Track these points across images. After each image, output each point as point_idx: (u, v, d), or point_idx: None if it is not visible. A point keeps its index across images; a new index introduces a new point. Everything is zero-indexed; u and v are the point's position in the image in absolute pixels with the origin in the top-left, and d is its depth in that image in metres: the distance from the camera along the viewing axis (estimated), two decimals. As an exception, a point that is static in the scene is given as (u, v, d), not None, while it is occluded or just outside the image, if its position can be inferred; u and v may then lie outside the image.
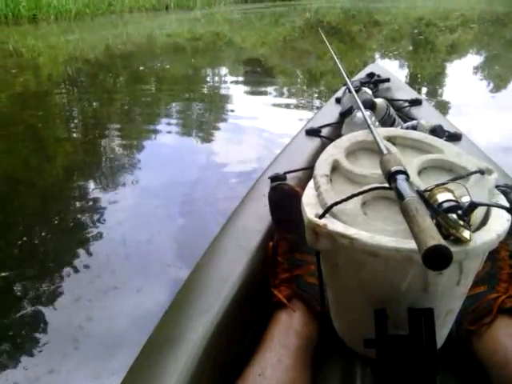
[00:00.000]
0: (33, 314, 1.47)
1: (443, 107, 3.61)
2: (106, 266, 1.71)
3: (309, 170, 1.04)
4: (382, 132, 0.76)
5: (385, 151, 0.64)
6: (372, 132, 0.72)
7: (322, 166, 0.70)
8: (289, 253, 0.87)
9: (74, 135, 3.54)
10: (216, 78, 5.62)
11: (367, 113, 1.35)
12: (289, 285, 0.83)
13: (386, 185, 0.59)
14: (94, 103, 4.47)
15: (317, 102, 4.07)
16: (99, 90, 4.86)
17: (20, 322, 1.44)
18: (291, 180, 1.09)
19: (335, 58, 1.50)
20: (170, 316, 0.79)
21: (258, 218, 0.99)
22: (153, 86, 5.01)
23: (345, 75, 1.30)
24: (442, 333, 0.69)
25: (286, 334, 0.75)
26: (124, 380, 0.67)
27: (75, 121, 3.93)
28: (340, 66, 1.40)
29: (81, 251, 1.80)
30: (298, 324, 0.78)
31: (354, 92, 1.05)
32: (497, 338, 0.72)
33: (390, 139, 0.75)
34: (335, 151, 0.73)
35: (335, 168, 0.70)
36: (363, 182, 0.66)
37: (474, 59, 6.05)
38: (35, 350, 1.33)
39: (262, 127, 3.27)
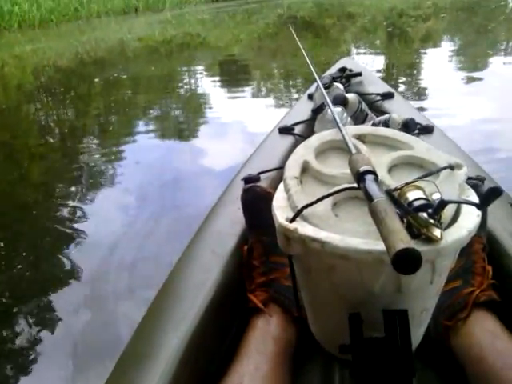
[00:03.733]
0: None
1: (417, 97, 3.64)
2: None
3: (282, 170, 1.04)
4: (351, 130, 0.74)
5: (353, 151, 0.62)
6: (341, 131, 0.70)
7: (292, 168, 0.68)
8: (264, 256, 0.86)
9: (43, 148, 3.42)
10: (190, 80, 5.55)
11: (338, 109, 1.34)
12: (265, 289, 0.82)
13: (355, 185, 0.57)
14: (67, 113, 4.38)
15: (293, 97, 4.07)
16: (70, 100, 4.73)
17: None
18: (265, 180, 1.07)
19: (304, 53, 1.48)
20: (143, 328, 0.77)
21: (232, 221, 0.97)
22: (124, 93, 4.91)
23: (313, 71, 1.28)
24: (418, 332, 0.68)
25: (263, 340, 0.74)
26: None
27: (45, 133, 3.82)
28: (309, 61, 1.38)
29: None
30: (275, 329, 0.76)
31: (322, 89, 1.03)
32: (472, 334, 0.72)
33: (360, 137, 0.74)
34: (305, 152, 0.71)
35: (305, 169, 0.68)
36: (333, 183, 0.64)
37: (446, 47, 6.10)
38: None
39: (239, 124, 3.27)
